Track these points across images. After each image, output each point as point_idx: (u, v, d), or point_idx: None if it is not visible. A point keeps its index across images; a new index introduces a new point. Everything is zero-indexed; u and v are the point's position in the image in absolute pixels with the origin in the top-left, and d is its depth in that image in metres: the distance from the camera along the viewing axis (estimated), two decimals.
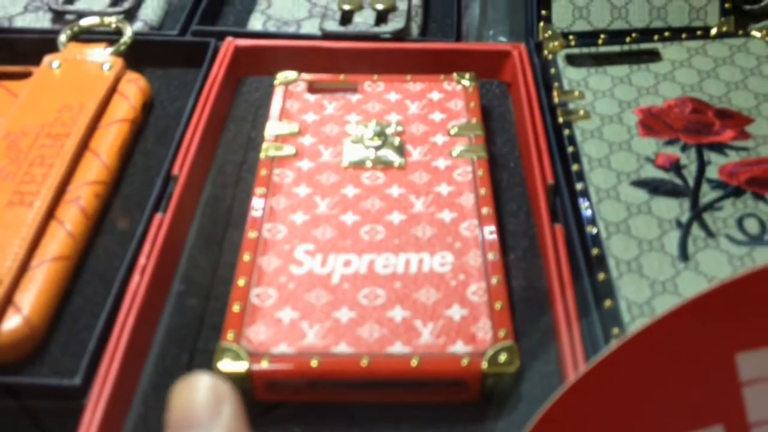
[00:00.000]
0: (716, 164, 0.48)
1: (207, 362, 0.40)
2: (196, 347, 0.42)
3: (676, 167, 0.48)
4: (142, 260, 0.43)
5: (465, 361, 0.38)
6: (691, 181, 0.46)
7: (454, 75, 0.57)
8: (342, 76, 0.58)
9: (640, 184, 0.47)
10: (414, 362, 0.38)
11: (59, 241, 0.45)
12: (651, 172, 0.47)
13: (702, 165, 0.47)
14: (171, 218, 0.46)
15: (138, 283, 0.42)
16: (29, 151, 0.50)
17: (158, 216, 0.46)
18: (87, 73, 0.57)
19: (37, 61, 0.58)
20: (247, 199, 0.49)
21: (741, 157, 0.48)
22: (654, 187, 0.46)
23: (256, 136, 0.56)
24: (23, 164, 0.49)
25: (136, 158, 0.54)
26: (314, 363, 0.38)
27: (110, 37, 0.61)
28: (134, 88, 0.57)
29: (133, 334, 0.40)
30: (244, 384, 0.38)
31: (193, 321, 0.43)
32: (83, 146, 0.51)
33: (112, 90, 0.56)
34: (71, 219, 0.47)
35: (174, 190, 0.48)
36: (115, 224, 0.48)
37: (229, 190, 0.51)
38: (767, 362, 0.26)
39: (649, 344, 0.27)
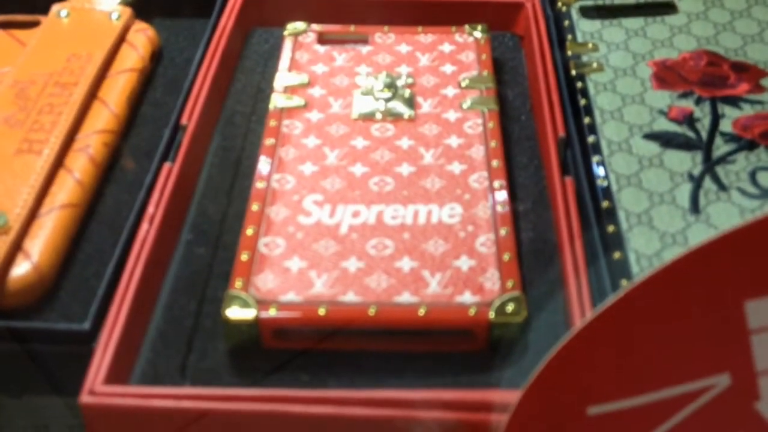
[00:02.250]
0: (730, 117, 0.47)
1: (215, 310, 0.41)
2: (205, 295, 0.42)
3: (689, 120, 0.47)
4: (150, 209, 0.43)
5: (472, 311, 0.38)
6: (704, 135, 0.46)
7: (466, 27, 0.57)
8: (352, 27, 0.57)
9: (652, 137, 0.46)
10: (421, 311, 0.38)
11: (68, 189, 0.45)
12: (664, 125, 0.47)
13: (716, 118, 0.47)
14: (180, 167, 0.46)
15: (147, 232, 0.42)
16: (38, 99, 0.50)
17: (167, 165, 0.46)
18: (95, 22, 0.57)
19: (45, 10, 0.57)
20: (256, 150, 0.49)
21: (755, 110, 0.48)
22: (666, 140, 0.46)
23: (265, 87, 0.55)
24: (32, 112, 0.49)
25: (144, 108, 0.54)
26: (322, 311, 0.38)
27: None
28: (143, 37, 0.57)
29: (141, 282, 0.40)
30: (251, 331, 0.38)
31: (202, 269, 0.43)
32: (92, 95, 0.51)
33: (121, 39, 0.56)
34: (80, 167, 0.46)
35: (183, 140, 0.48)
36: (124, 173, 0.48)
37: (238, 140, 0.51)
38: None
39: (656, 292, 0.27)
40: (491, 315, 0.38)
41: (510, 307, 0.38)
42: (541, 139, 0.49)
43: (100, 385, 0.35)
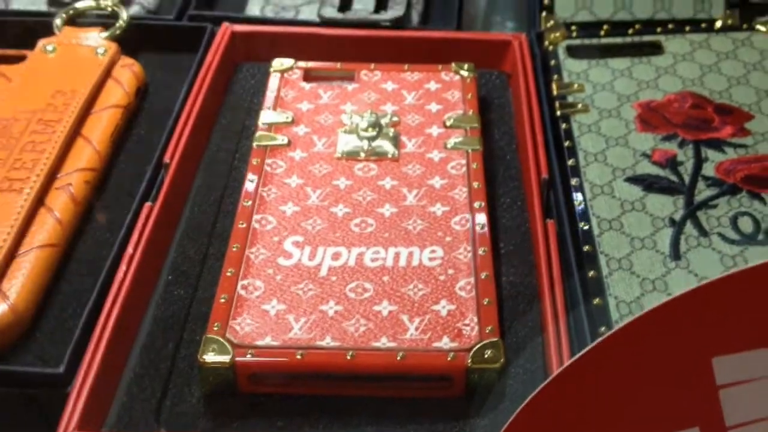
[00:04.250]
0: (713, 161, 0.47)
1: (192, 353, 0.40)
2: (182, 338, 0.41)
3: (672, 163, 0.47)
4: (129, 250, 0.43)
5: (450, 357, 0.38)
6: (686, 178, 0.46)
7: (453, 65, 0.57)
8: (339, 65, 0.57)
9: (635, 180, 0.46)
10: (399, 356, 0.38)
11: (48, 229, 0.45)
12: (647, 168, 0.47)
13: (699, 162, 0.47)
14: (160, 207, 0.46)
15: (125, 273, 0.42)
16: (20, 137, 0.50)
17: (147, 205, 0.46)
18: (81, 57, 0.57)
19: (32, 45, 0.58)
20: (238, 189, 0.49)
21: (739, 154, 0.48)
22: (649, 184, 0.46)
23: (250, 124, 0.55)
24: (14, 150, 0.49)
25: (128, 145, 0.54)
26: (299, 356, 0.38)
27: (106, 21, 0.60)
28: (128, 73, 0.57)
29: (118, 324, 0.39)
30: (227, 375, 0.38)
31: (180, 311, 0.43)
32: (75, 132, 0.51)
33: (106, 75, 0.56)
34: (60, 206, 0.46)
35: (165, 179, 0.48)
36: (105, 212, 0.48)
37: (221, 179, 0.51)
38: (743, 366, 0.25)
39: (630, 342, 0.27)
40: (469, 361, 0.37)
41: (488, 353, 0.38)
42: (525, 180, 0.49)
43: (73, 431, 0.34)
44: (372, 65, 0.57)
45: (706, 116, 0.50)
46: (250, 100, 0.58)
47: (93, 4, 0.61)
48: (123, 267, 0.42)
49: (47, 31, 0.59)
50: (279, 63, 0.57)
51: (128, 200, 0.48)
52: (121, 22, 0.60)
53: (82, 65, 0.56)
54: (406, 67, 0.57)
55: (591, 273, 0.41)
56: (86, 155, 0.50)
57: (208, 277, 0.45)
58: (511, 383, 0.38)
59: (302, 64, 0.57)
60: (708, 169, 0.46)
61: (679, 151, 0.48)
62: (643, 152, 0.48)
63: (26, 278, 0.42)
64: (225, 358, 0.38)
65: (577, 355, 0.27)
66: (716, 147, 0.48)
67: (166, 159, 0.49)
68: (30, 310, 0.41)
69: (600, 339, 0.27)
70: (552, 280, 0.40)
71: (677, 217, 0.43)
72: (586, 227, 0.43)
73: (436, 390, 0.38)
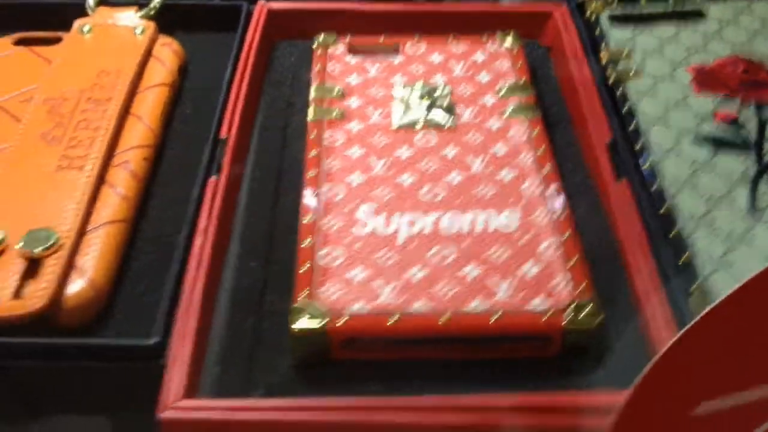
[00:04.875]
0: None
1: (275, 324, 0.40)
2: (262, 309, 0.41)
3: (735, 124, 0.47)
4: (202, 223, 0.42)
5: (545, 317, 0.37)
6: (752, 137, 0.46)
7: (498, 35, 0.56)
8: (381, 38, 0.57)
9: (701, 140, 0.46)
10: (493, 319, 0.37)
11: (113, 205, 0.44)
12: (711, 129, 0.47)
13: (762, 121, 0.47)
14: (225, 181, 0.45)
15: (201, 245, 0.41)
16: (72, 115, 0.49)
17: (212, 179, 0.45)
18: (120, 37, 0.56)
19: (65, 27, 0.56)
20: (294, 163, 0.48)
21: None
22: (716, 143, 0.46)
23: (295, 101, 0.55)
24: (68, 129, 0.48)
25: (175, 123, 0.53)
26: (392, 321, 0.37)
27: (139, 0, 0.59)
28: (168, 51, 0.56)
29: (203, 295, 0.39)
30: (321, 343, 0.37)
31: (256, 283, 0.42)
32: (125, 111, 0.50)
33: (147, 54, 0.55)
34: (122, 183, 0.45)
35: (225, 154, 0.47)
36: (165, 188, 0.47)
37: (276, 154, 0.50)
38: None
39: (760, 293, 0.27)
40: (565, 320, 0.37)
41: (584, 312, 0.37)
42: (585, 145, 0.49)
43: (178, 399, 0.34)
44: (416, 37, 0.56)
45: (759, 79, 0.50)
46: (292, 77, 0.57)
47: None
48: (198, 239, 0.41)
49: (79, 12, 0.58)
50: (321, 38, 0.56)
51: (186, 176, 0.47)
52: (155, 2, 0.58)
53: (122, 45, 0.55)
54: (450, 38, 0.57)
55: (672, 232, 0.41)
56: (140, 132, 0.49)
57: (278, 249, 0.44)
58: (607, 341, 0.38)
59: (345, 38, 0.56)
60: None
61: (739, 111, 0.48)
62: (705, 114, 0.48)
63: (100, 253, 0.41)
64: (318, 325, 0.37)
65: (709, 308, 0.27)
66: None
67: (223, 134, 0.48)
68: (108, 284, 0.40)
69: (731, 291, 0.27)
70: (635, 239, 0.40)
71: (751, 173, 0.43)
72: (660, 188, 0.43)
73: (530, 350, 0.38)
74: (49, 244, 0.40)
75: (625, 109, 0.49)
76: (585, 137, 0.49)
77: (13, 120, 0.49)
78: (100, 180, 0.45)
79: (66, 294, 0.39)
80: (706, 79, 0.51)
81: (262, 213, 0.46)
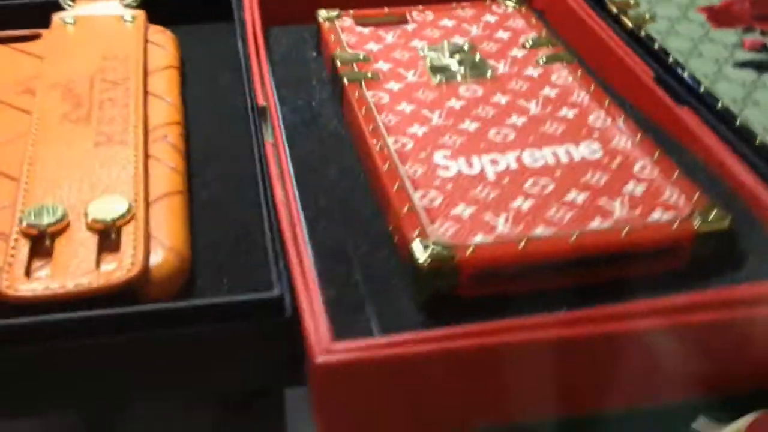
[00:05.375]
0: None
1: (381, 270, 0.37)
2: (357, 261, 0.38)
3: (765, 49, 0.48)
4: (277, 183, 0.39)
5: (675, 225, 0.36)
6: None
7: None
8: (386, 9, 0.55)
9: (742, 65, 0.47)
10: (623, 233, 0.36)
11: (166, 177, 0.40)
12: (746, 56, 0.48)
13: None
14: (280, 143, 0.42)
15: (286, 202, 0.37)
16: (90, 96, 0.45)
17: (269, 141, 0.42)
18: (109, 26, 0.52)
19: (39, 25, 0.52)
20: (333, 132, 0.46)
21: None
22: (758, 66, 0.46)
23: (306, 77, 0.52)
24: (93, 108, 0.43)
25: (190, 105, 0.49)
26: (521, 245, 0.35)
27: None
28: (164, 38, 0.53)
29: (303, 248, 0.35)
30: (449, 277, 0.35)
31: (340, 238, 0.39)
32: (145, 91, 0.46)
33: (145, 40, 0.51)
34: (167, 156, 0.42)
35: (270, 119, 0.44)
36: (208, 165, 0.43)
37: (310, 126, 0.47)
38: None
39: None
40: (696, 224, 0.36)
41: (712, 215, 0.36)
42: (623, 85, 0.49)
43: (330, 343, 0.30)
44: (420, 6, 0.55)
45: (766, 13, 0.52)
46: (296, 58, 0.55)
47: None
48: (279, 192, 0.38)
49: (40, 12, 0.54)
50: (325, 13, 0.54)
51: (223, 153, 0.44)
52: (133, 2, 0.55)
53: (115, 32, 0.51)
54: (453, 4, 0.56)
55: (758, 140, 0.41)
56: (166, 110, 0.45)
57: (352, 202, 0.41)
58: (733, 250, 0.37)
59: (348, 12, 0.54)
60: None
61: (764, 38, 0.49)
62: (733, 43, 0.49)
63: (171, 223, 0.37)
64: (446, 257, 0.34)
65: None
66: None
67: (261, 102, 0.45)
68: (188, 252, 0.36)
69: None
70: (722, 154, 0.40)
71: None
72: (723, 107, 0.43)
73: (659, 265, 0.36)
74: (123, 211, 0.35)
75: (656, 46, 0.49)
76: (621, 78, 0.49)
77: (18, 111, 0.44)
78: (146, 154, 0.41)
79: (151, 264, 0.34)
80: (720, 16, 0.52)
81: (320, 171, 0.43)
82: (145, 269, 0.34)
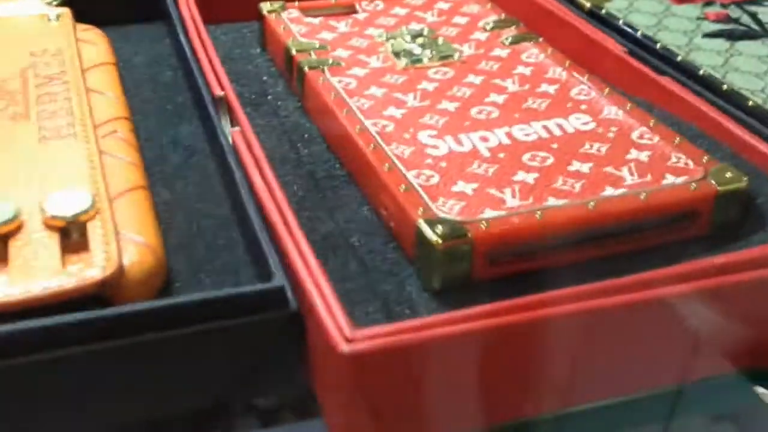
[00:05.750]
0: (763, 12, 0.48)
1: (383, 257, 0.33)
2: (352, 248, 0.34)
3: (731, 19, 0.47)
4: (252, 172, 0.35)
5: (693, 186, 0.34)
6: (755, 26, 0.46)
7: None
8: (333, 0, 0.52)
9: (713, 35, 0.45)
10: (642, 196, 0.33)
11: (124, 172, 0.36)
12: (713, 26, 0.47)
13: (752, 14, 0.47)
14: (249, 132, 0.38)
15: (267, 190, 0.34)
16: (25, 91, 0.39)
17: (235, 130, 0.38)
18: (33, 24, 0.48)
19: None
20: (296, 123, 0.43)
21: None
22: (729, 35, 0.45)
23: (255, 72, 0.48)
24: (31, 104, 0.38)
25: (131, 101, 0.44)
26: (538, 216, 0.32)
27: None
28: (94, 35, 0.48)
29: (297, 236, 0.31)
30: (464, 259, 0.31)
31: (336, 224, 0.35)
32: (84, 87, 0.41)
33: (76, 38, 0.46)
34: (122, 150, 0.37)
35: (229, 109, 0.40)
36: (161, 160, 0.39)
37: (269, 118, 0.44)
38: None
39: None
40: (714, 184, 0.34)
41: (727, 174, 0.34)
42: (594, 61, 0.47)
43: (353, 331, 0.26)
44: None
45: None
46: (240, 53, 0.51)
47: None
48: (258, 180, 0.34)
49: None
50: (268, 5, 0.51)
51: (175, 148, 0.40)
52: None
53: (42, 30, 0.47)
54: None
55: (750, 103, 0.39)
56: (110, 105, 0.41)
57: (331, 189, 0.37)
58: (752, 210, 0.35)
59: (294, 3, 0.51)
60: (765, 17, 0.47)
61: (727, 10, 0.48)
62: (697, 16, 0.48)
63: (138, 219, 0.33)
64: (459, 234, 0.31)
65: None
66: (754, 4, 0.49)
67: (219, 92, 0.41)
68: (162, 250, 0.32)
69: None
70: (714, 118, 0.38)
71: None
72: (706, 74, 0.42)
73: (679, 231, 0.34)
74: (87, 206, 0.31)
75: (620, 22, 0.48)
76: (591, 55, 0.47)
77: None
78: (98, 150, 0.36)
79: (125, 262, 0.30)
80: None
81: (289, 162, 0.39)
82: (121, 267, 0.29)
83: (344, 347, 0.26)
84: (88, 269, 0.29)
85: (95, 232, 0.30)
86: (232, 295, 0.27)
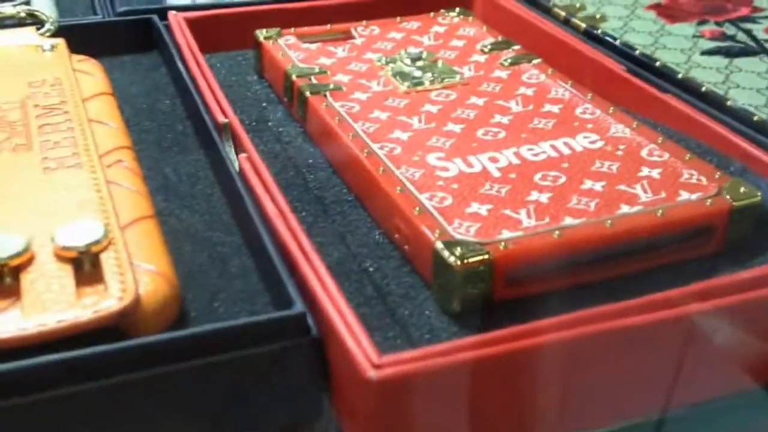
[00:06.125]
0: (757, 29, 0.48)
1: (395, 280, 0.33)
2: (365, 272, 0.33)
3: (727, 36, 0.47)
4: (262, 196, 0.34)
5: (709, 202, 0.34)
6: (751, 43, 0.46)
7: (442, 11, 0.54)
8: (329, 26, 0.52)
9: (710, 53, 0.46)
10: (659, 213, 0.33)
11: (131, 202, 0.35)
12: (709, 44, 0.47)
13: (747, 31, 0.48)
14: (255, 157, 0.38)
15: (281, 216, 0.33)
16: (26, 122, 0.39)
17: (243, 156, 0.37)
18: (28, 54, 0.47)
19: None
20: (300, 148, 0.42)
21: None
22: (726, 52, 0.46)
23: (255, 99, 0.48)
24: (32, 135, 0.38)
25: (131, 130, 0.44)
26: (556, 235, 0.32)
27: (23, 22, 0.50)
28: (90, 65, 0.47)
29: (315, 261, 0.31)
30: (484, 280, 0.31)
31: (349, 244, 0.35)
32: (86, 117, 0.41)
33: (72, 69, 0.46)
34: (128, 179, 0.36)
35: (234, 135, 0.39)
36: (167, 189, 0.39)
37: (272, 144, 0.43)
38: None
39: None
40: (729, 199, 0.34)
41: (742, 190, 0.34)
42: (592, 81, 0.47)
43: (380, 358, 0.26)
44: (363, 22, 0.52)
45: (719, 3, 0.52)
46: (237, 81, 0.50)
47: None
48: (269, 205, 0.33)
49: None
50: (265, 32, 0.51)
51: (180, 176, 0.39)
52: (50, 24, 0.50)
53: (37, 61, 0.46)
54: (398, 19, 0.53)
55: (756, 118, 0.39)
56: (113, 135, 0.40)
57: (340, 214, 0.37)
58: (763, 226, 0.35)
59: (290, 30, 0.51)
60: (760, 34, 0.47)
61: (721, 28, 0.48)
62: (693, 35, 0.48)
63: (151, 248, 0.32)
64: (478, 256, 0.31)
65: None
66: (748, 21, 0.49)
67: (222, 118, 0.40)
68: (176, 278, 0.31)
69: None
70: (719, 135, 0.38)
71: None
72: (708, 91, 0.42)
73: (692, 249, 0.34)
74: (99, 236, 0.30)
75: (618, 42, 0.48)
76: (591, 75, 0.47)
77: None
78: (104, 179, 0.35)
79: (141, 293, 0.29)
80: (671, 12, 0.51)
81: (299, 190, 0.39)
82: (138, 298, 0.28)
83: (372, 373, 0.26)
84: (104, 300, 0.28)
85: (109, 262, 0.30)
86: (253, 324, 0.27)
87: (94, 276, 0.29)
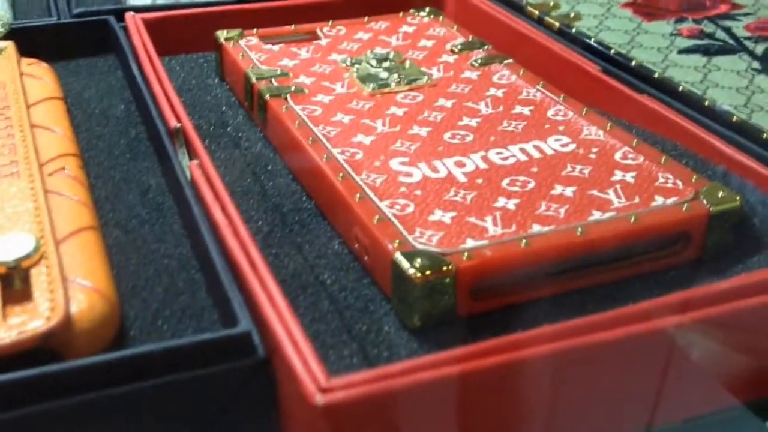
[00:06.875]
0: (737, 26, 0.46)
1: (356, 295, 0.30)
2: (331, 280, 0.31)
3: (705, 35, 0.46)
4: (212, 206, 0.32)
5: (685, 207, 0.32)
6: (730, 41, 0.45)
7: (411, 11, 0.52)
8: (293, 26, 0.50)
9: (688, 51, 0.44)
10: (632, 220, 0.31)
11: (72, 212, 0.33)
12: (687, 42, 0.45)
13: (726, 28, 0.46)
14: (207, 165, 0.35)
15: (230, 227, 0.31)
16: None
17: (194, 163, 0.35)
18: None
19: None
20: (259, 154, 0.40)
21: (751, 20, 0.47)
22: (704, 50, 0.44)
23: (215, 102, 0.46)
24: None
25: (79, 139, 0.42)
26: (524, 244, 0.30)
27: None
28: (40, 69, 0.45)
29: (264, 276, 0.29)
30: (448, 291, 0.29)
31: (302, 257, 0.33)
32: (29, 123, 0.38)
33: (20, 72, 0.43)
34: (70, 189, 0.34)
35: (186, 141, 0.37)
36: (113, 197, 0.36)
37: (230, 149, 0.41)
38: None
39: None
40: (706, 204, 0.32)
41: (720, 194, 0.32)
42: (566, 82, 0.45)
43: (328, 380, 0.24)
44: (330, 22, 0.50)
45: (697, 0, 0.50)
46: (194, 83, 0.48)
47: None
48: (219, 216, 0.31)
49: None
50: (225, 34, 0.48)
51: (128, 184, 0.37)
52: (3, 24, 0.47)
53: None
54: (366, 19, 0.51)
55: (735, 118, 0.37)
56: (58, 141, 0.38)
57: (298, 223, 0.35)
58: (744, 241, 0.33)
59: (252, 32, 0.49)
60: (740, 32, 0.46)
61: (700, 26, 0.47)
62: (671, 33, 0.46)
63: (88, 262, 0.30)
64: (439, 266, 0.29)
65: None
66: (727, 19, 0.47)
67: (174, 123, 0.38)
68: (115, 295, 0.29)
69: None
70: (699, 135, 0.37)
71: (755, 66, 0.42)
72: (686, 91, 0.40)
73: (668, 257, 0.32)
74: (30, 250, 0.28)
75: (592, 40, 0.46)
76: (564, 75, 0.45)
77: None
78: (44, 189, 0.33)
79: (74, 311, 0.27)
80: (648, 10, 0.49)
81: (254, 198, 0.37)
82: (68, 317, 0.26)
83: (318, 398, 0.23)
84: (31, 321, 0.26)
85: (39, 278, 0.27)
86: (194, 343, 0.25)
87: (24, 294, 0.27)
